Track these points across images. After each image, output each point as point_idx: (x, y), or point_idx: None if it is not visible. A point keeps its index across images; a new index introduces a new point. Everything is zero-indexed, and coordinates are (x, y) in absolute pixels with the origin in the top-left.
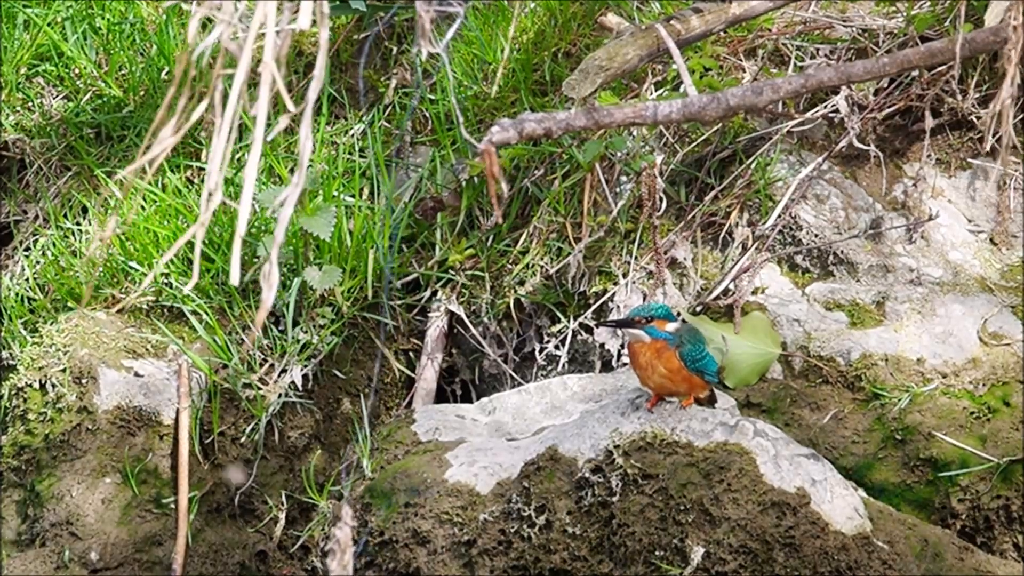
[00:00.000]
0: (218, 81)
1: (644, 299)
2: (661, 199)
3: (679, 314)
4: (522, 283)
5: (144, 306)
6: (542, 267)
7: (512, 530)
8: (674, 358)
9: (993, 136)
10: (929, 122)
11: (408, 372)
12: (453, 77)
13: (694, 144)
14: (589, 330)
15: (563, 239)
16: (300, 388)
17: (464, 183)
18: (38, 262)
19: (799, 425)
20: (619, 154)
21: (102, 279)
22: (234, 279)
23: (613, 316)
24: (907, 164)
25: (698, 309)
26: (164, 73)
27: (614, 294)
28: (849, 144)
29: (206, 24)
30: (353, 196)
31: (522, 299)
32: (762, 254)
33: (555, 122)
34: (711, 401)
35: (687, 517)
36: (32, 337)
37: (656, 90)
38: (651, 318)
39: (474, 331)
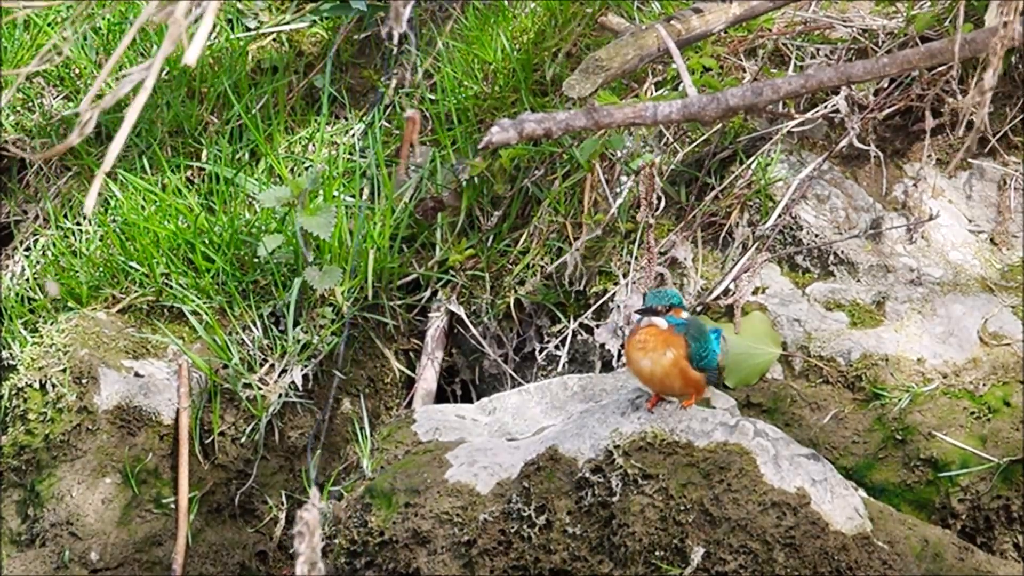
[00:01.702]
0: None
1: (644, 299)
2: (659, 198)
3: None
4: (522, 283)
5: (144, 306)
6: (542, 267)
7: (512, 530)
8: (683, 344)
9: (965, 127)
10: (929, 122)
11: (408, 372)
12: (420, 65)
13: (694, 144)
14: (589, 330)
15: (563, 239)
16: (300, 388)
17: (464, 183)
18: (38, 262)
19: (799, 425)
20: (619, 154)
21: (102, 279)
22: (87, 209)
23: (613, 316)
24: (907, 164)
25: (698, 309)
26: (164, 73)
27: (614, 294)
28: (849, 144)
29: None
30: (353, 196)
31: (522, 299)
32: (762, 254)
33: (555, 122)
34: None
35: (687, 517)
36: (32, 337)
37: (656, 90)
38: (670, 306)
39: (474, 331)
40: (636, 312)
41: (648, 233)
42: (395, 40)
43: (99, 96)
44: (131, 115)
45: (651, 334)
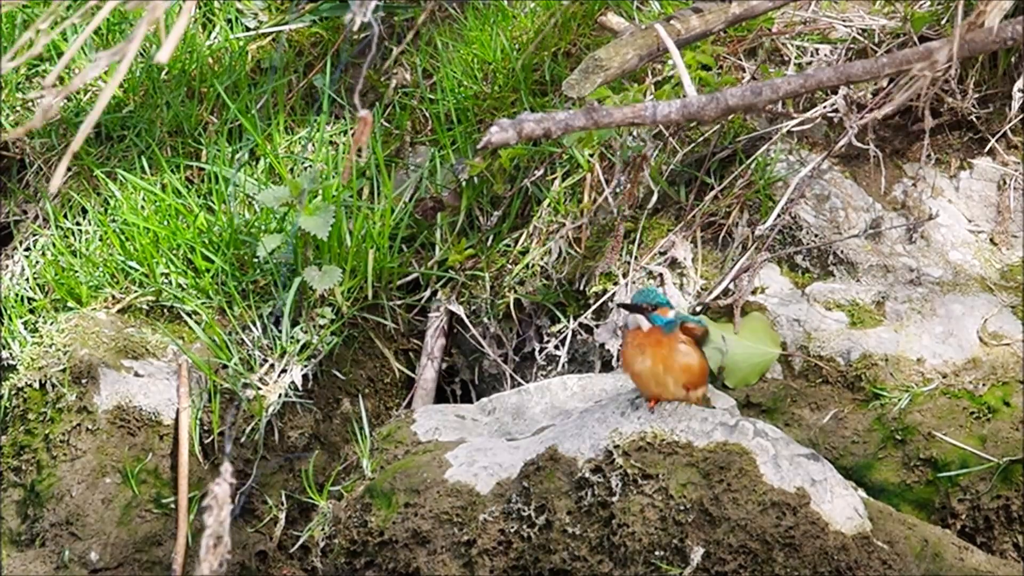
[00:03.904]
0: None
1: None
2: (651, 193)
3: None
4: (522, 283)
5: (144, 306)
6: (542, 267)
7: (512, 530)
8: (671, 340)
9: (906, 86)
10: (929, 122)
11: (408, 372)
12: (386, 57)
13: (694, 144)
14: (589, 330)
15: (563, 239)
16: (300, 388)
17: (464, 183)
18: (38, 262)
19: (799, 425)
20: (619, 153)
21: (102, 279)
22: (52, 188)
23: (613, 316)
24: (907, 164)
25: (698, 309)
26: (164, 73)
27: (614, 294)
28: (849, 144)
29: (206, 24)
30: (353, 196)
31: (522, 299)
32: (762, 254)
33: (554, 122)
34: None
35: (687, 517)
36: (32, 337)
37: (656, 90)
38: (656, 305)
39: (474, 331)
40: (619, 305)
41: (620, 224)
42: (356, 26)
43: (96, 95)
44: (103, 98)
45: (639, 343)
